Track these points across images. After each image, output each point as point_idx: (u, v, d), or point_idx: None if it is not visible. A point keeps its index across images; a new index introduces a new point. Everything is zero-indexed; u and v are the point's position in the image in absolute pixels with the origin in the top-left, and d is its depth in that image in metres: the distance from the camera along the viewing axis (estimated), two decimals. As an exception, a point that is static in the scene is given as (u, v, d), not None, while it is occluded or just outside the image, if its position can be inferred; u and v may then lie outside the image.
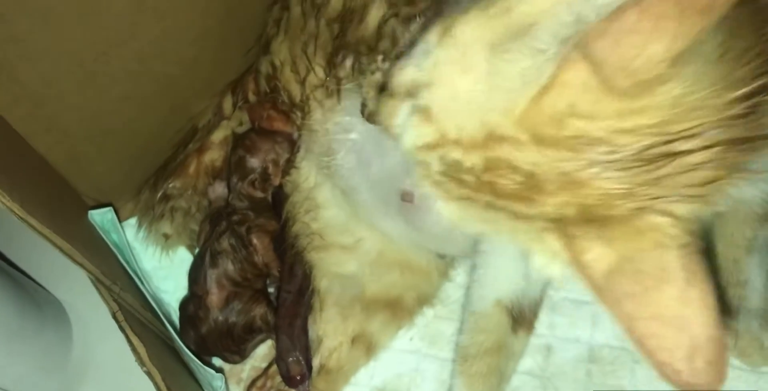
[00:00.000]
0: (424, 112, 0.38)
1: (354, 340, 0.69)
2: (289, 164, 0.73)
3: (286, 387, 0.68)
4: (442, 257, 0.72)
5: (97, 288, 0.63)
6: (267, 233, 0.72)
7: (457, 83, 0.37)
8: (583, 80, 0.33)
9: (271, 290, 0.74)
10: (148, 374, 0.60)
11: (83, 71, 0.64)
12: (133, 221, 0.80)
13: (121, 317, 0.62)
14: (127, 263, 0.71)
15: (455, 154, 0.37)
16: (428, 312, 0.74)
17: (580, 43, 0.32)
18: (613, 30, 0.31)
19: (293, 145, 0.72)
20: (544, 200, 0.35)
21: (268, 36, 0.73)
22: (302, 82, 0.68)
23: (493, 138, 0.35)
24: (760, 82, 0.34)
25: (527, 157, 0.34)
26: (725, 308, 0.66)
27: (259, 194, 0.73)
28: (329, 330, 0.69)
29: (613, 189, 0.34)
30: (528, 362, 0.69)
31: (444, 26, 0.38)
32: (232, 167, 0.73)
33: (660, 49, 0.30)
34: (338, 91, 0.64)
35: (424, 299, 0.72)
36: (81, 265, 0.59)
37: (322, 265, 0.70)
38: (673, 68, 0.31)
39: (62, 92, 0.65)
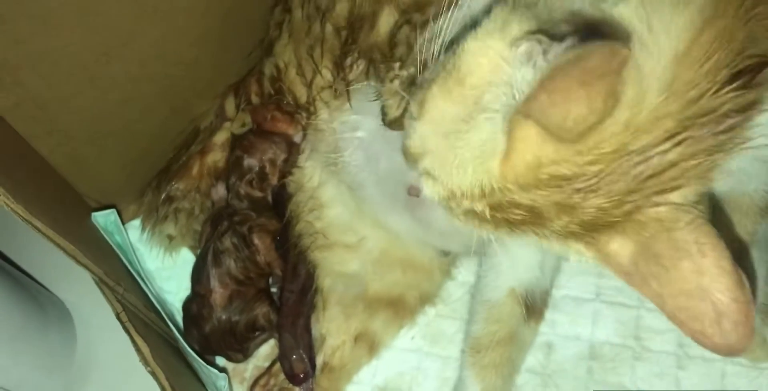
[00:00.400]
0: (430, 175, 0.43)
1: (357, 338, 0.69)
2: (288, 164, 0.73)
3: (290, 385, 0.68)
4: (445, 254, 0.72)
5: (101, 289, 0.63)
6: (268, 232, 0.72)
7: (443, 153, 0.41)
8: (536, 135, 0.36)
9: (273, 289, 0.74)
10: (152, 373, 0.60)
11: (85, 73, 0.65)
12: (136, 223, 0.80)
13: (124, 318, 0.62)
14: (130, 264, 0.71)
15: (466, 203, 0.41)
16: (430, 311, 0.74)
17: (521, 109, 0.36)
18: (538, 104, 0.34)
19: (292, 147, 0.73)
20: (551, 224, 0.39)
21: (271, 38, 0.73)
22: (308, 85, 0.69)
23: (487, 191, 0.39)
24: (721, 74, 0.36)
25: (522, 197, 0.38)
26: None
27: (257, 194, 0.73)
28: (332, 329, 0.69)
29: (604, 203, 0.37)
30: (529, 359, 0.69)
31: (419, 101, 0.42)
32: (231, 168, 0.74)
33: (583, 111, 0.34)
34: (347, 92, 0.65)
35: (426, 298, 0.73)
36: (85, 266, 0.60)
37: (325, 264, 0.70)
38: (606, 111, 0.34)
39: (64, 94, 0.65)
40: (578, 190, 0.37)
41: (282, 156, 0.73)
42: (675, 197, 0.37)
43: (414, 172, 0.63)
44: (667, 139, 0.36)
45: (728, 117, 0.37)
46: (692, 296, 0.36)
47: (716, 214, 0.69)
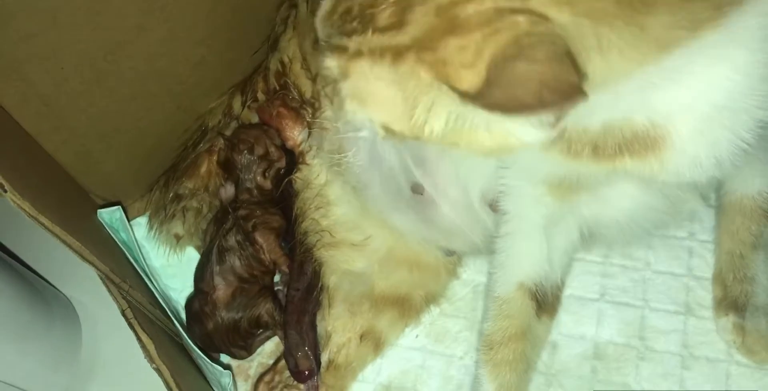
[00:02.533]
0: None
1: (362, 336, 0.69)
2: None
3: (295, 383, 0.68)
4: (450, 254, 0.72)
5: (107, 286, 0.63)
6: (272, 229, 0.72)
7: None
8: None
9: (279, 287, 0.74)
10: (157, 370, 0.60)
11: (92, 70, 0.65)
12: (141, 220, 0.80)
13: (130, 315, 0.62)
14: (136, 261, 0.71)
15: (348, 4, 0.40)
16: (434, 310, 0.74)
17: None
18: None
19: (277, 132, 0.73)
20: (411, 18, 0.37)
21: (277, 34, 0.73)
22: (313, 79, 0.69)
23: None
24: None
25: None
26: (732, 305, 0.66)
27: (268, 185, 0.73)
28: (338, 326, 0.69)
29: None
30: (532, 359, 0.69)
31: None
32: (241, 166, 0.73)
33: None
34: None
35: (432, 298, 0.73)
36: (91, 263, 0.60)
37: (331, 262, 0.70)
38: None
39: (71, 91, 0.65)
40: None
41: (277, 138, 0.73)
42: (541, 8, 0.35)
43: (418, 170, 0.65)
44: None
45: None
46: None
47: (720, 217, 0.69)
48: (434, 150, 0.64)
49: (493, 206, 0.62)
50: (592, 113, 0.43)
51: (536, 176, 0.54)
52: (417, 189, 0.65)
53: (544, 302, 0.63)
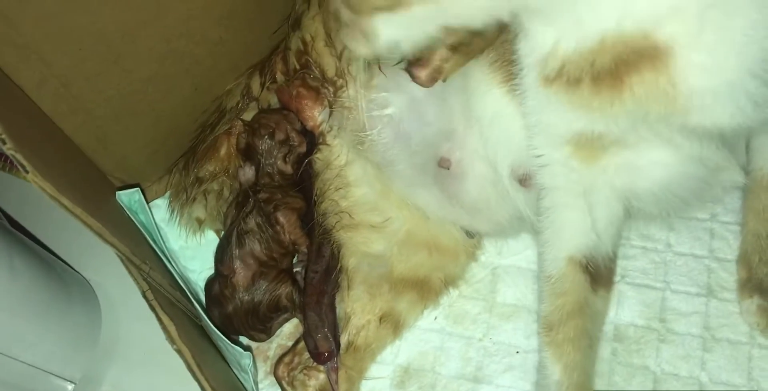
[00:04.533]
0: None
1: (382, 318, 0.69)
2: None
3: (314, 364, 0.68)
4: (470, 236, 0.71)
5: (127, 267, 0.63)
6: (293, 210, 0.72)
7: None
8: None
9: (297, 269, 0.74)
10: (179, 351, 0.60)
11: (109, 51, 0.64)
12: (159, 202, 0.80)
13: (150, 296, 0.62)
14: (155, 242, 0.71)
15: None
16: (453, 292, 0.74)
17: None
18: None
19: (297, 113, 0.73)
20: None
21: (298, 13, 0.72)
22: (339, 56, 0.67)
23: None
24: None
25: None
26: (757, 287, 0.66)
27: (289, 169, 0.73)
28: (357, 308, 0.69)
29: None
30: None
31: None
32: (262, 151, 0.73)
33: None
34: (379, 65, 0.64)
35: (451, 280, 0.72)
36: (111, 244, 0.59)
37: (350, 243, 0.69)
38: None
39: (88, 72, 0.65)
40: None
41: (297, 122, 0.73)
42: None
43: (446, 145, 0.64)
44: None
45: None
46: None
47: (746, 196, 0.68)
48: (463, 122, 0.63)
49: (523, 181, 0.61)
50: (583, 25, 0.44)
51: (557, 136, 0.53)
52: (444, 163, 0.64)
53: (598, 274, 0.60)
